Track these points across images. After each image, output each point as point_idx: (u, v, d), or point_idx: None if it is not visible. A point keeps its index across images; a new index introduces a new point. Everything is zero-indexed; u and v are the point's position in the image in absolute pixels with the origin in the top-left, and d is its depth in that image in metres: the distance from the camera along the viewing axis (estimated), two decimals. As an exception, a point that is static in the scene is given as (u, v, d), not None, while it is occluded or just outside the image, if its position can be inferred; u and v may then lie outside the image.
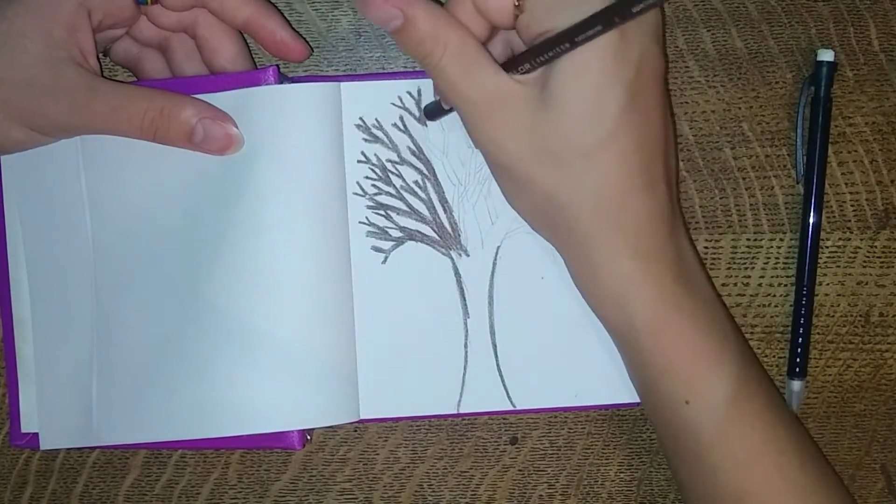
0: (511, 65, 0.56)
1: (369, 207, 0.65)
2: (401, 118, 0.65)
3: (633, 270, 0.57)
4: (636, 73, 0.54)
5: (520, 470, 0.70)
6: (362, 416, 0.65)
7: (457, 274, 0.66)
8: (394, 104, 0.65)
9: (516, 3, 0.55)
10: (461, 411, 0.66)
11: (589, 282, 0.58)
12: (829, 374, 0.70)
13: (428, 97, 0.65)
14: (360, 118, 0.65)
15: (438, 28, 0.55)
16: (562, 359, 0.65)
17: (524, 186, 0.57)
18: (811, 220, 0.67)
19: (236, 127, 0.61)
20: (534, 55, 0.55)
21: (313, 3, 0.68)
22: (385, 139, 0.65)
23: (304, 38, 0.66)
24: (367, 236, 0.65)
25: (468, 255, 0.66)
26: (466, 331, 0.66)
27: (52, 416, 0.65)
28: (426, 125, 0.65)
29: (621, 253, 0.56)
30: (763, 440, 0.59)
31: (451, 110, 0.63)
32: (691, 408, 0.58)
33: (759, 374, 0.61)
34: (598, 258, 0.57)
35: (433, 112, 0.64)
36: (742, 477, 0.58)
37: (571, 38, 0.52)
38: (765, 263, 0.69)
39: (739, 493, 0.59)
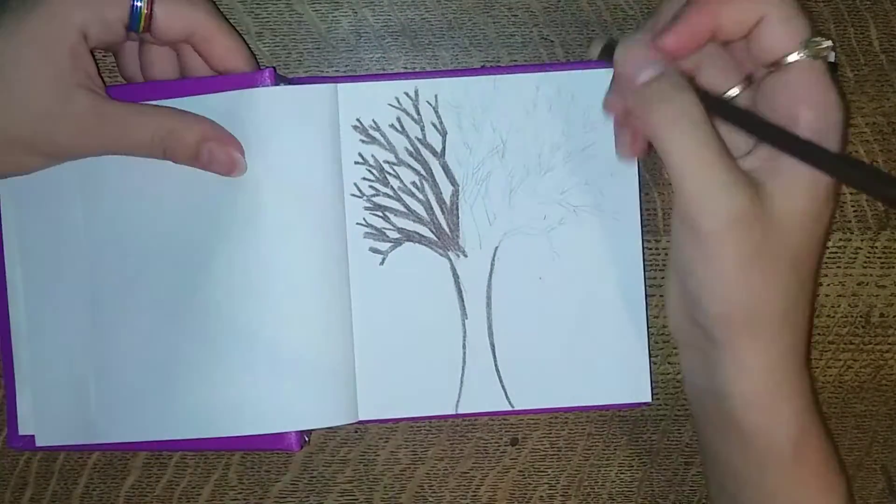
0: (720, 107, 0.58)
1: (367, 209, 0.65)
2: (398, 119, 0.65)
3: (791, 384, 0.58)
4: (829, 214, 0.58)
5: (520, 471, 0.70)
6: (360, 418, 0.65)
7: (455, 275, 0.66)
8: (391, 105, 0.65)
9: (797, 58, 0.56)
10: (459, 412, 0.66)
11: (741, 385, 0.58)
12: (830, 375, 0.70)
13: (426, 97, 0.65)
14: (357, 119, 0.65)
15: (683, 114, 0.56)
16: (560, 359, 0.65)
17: (725, 284, 0.56)
18: (812, 221, 0.67)
19: (241, 153, 0.62)
20: (758, 127, 0.57)
21: (313, 3, 0.68)
22: (382, 140, 0.65)
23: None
24: (364, 238, 0.65)
25: (466, 256, 0.66)
26: (464, 331, 0.66)
27: (48, 414, 0.66)
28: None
29: (782, 360, 0.57)
30: None
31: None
32: None
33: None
34: (762, 361, 0.57)
35: (611, 52, 0.60)
36: None
37: (812, 153, 0.55)
38: (765, 264, 0.69)
39: None
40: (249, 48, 0.65)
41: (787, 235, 0.56)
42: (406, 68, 0.68)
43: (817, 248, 0.58)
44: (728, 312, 0.57)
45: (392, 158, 0.65)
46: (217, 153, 0.61)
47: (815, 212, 0.56)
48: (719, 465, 0.62)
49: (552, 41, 0.68)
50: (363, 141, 0.65)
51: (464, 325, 0.66)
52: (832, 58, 0.57)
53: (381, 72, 0.68)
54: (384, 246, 0.65)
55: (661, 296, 0.67)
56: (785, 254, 0.56)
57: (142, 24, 0.60)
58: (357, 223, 0.65)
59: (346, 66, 0.68)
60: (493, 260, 0.66)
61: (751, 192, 0.54)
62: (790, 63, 0.56)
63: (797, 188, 0.56)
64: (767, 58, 0.57)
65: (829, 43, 0.56)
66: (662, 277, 0.67)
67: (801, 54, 0.56)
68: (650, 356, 0.66)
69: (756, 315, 0.56)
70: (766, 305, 0.56)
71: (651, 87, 0.56)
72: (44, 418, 0.66)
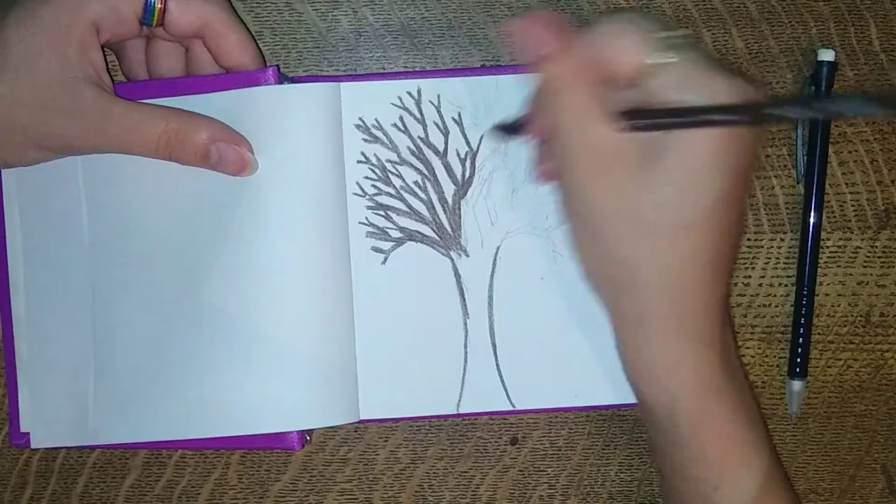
0: (627, 116, 0.55)
1: (369, 208, 0.65)
2: (401, 118, 0.65)
3: (685, 354, 0.57)
4: (738, 165, 0.54)
5: (520, 470, 0.70)
6: (362, 417, 0.65)
7: (456, 274, 0.66)
8: (393, 104, 0.65)
9: (650, 65, 0.54)
10: (461, 411, 0.66)
11: (637, 354, 0.58)
12: (830, 375, 0.70)
13: (429, 97, 0.65)
14: (360, 118, 0.65)
15: (577, 68, 0.55)
16: (561, 359, 0.65)
17: (602, 242, 0.57)
18: (811, 220, 0.67)
19: (252, 152, 0.62)
20: (649, 117, 0.54)
21: (313, 3, 0.68)
22: (385, 139, 0.65)
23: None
24: (366, 237, 0.65)
25: (468, 256, 0.66)
26: (466, 331, 0.66)
27: (44, 414, 0.65)
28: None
29: (678, 334, 0.56)
30: None
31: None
32: (720, 494, 0.58)
33: (781, 465, 0.62)
34: (654, 334, 0.57)
35: (511, 129, 0.63)
36: None
37: (708, 115, 0.52)
38: (765, 263, 0.69)
39: None
40: (258, 46, 0.65)
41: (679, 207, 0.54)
42: (406, 67, 0.68)
43: (721, 206, 0.55)
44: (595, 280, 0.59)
45: (394, 157, 0.65)
46: (227, 153, 0.61)
47: (704, 169, 0.54)
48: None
49: (552, 41, 0.68)
50: (366, 140, 0.65)
51: (465, 324, 0.66)
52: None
53: (381, 71, 0.68)
54: (386, 245, 0.65)
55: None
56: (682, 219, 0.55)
57: (155, 18, 0.60)
58: (359, 222, 0.65)
59: (346, 65, 0.68)
60: (495, 260, 0.66)
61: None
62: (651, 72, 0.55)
63: (682, 155, 0.54)
64: (629, 72, 0.55)
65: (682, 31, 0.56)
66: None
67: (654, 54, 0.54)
68: (651, 356, 0.66)
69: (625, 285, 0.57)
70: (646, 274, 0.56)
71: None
72: (40, 419, 0.66)
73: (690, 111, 0.53)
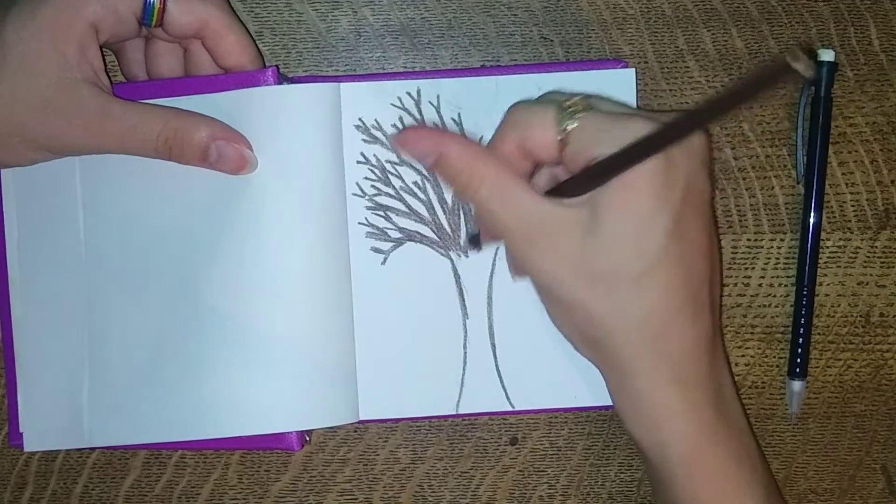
0: (558, 192, 0.56)
1: (368, 208, 0.65)
2: (400, 119, 0.65)
3: (673, 400, 0.57)
4: (682, 200, 0.55)
5: (520, 470, 0.70)
6: (361, 417, 0.65)
7: (456, 275, 0.66)
8: (393, 105, 0.65)
9: (560, 138, 0.56)
10: (460, 412, 0.66)
11: (628, 405, 0.59)
12: (830, 375, 0.70)
13: (428, 97, 0.65)
14: (360, 119, 0.65)
15: (473, 162, 0.56)
16: (560, 360, 0.65)
17: (568, 309, 0.57)
18: (811, 221, 0.67)
19: (250, 149, 0.62)
20: (580, 180, 0.55)
21: (313, 3, 0.68)
22: (384, 140, 0.65)
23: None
24: (366, 237, 0.65)
25: (467, 256, 0.66)
26: (465, 331, 0.66)
27: (37, 417, 0.65)
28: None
29: (663, 381, 0.56)
30: None
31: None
32: None
33: (781, 498, 0.62)
34: (639, 385, 0.57)
35: (477, 240, 0.65)
36: None
37: (620, 161, 0.53)
38: (765, 263, 0.69)
39: None
40: (258, 46, 0.65)
41: (622, 252, 0.55)
42: (406, 68, 0.68)
43: (677, 247, 0.55)
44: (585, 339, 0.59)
45: (394, 158, 0.65)
46: (226, 151, 0.61)
47: (644, 213, 0.54)
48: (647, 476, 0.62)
49: (552, 41, 0.68)
50: (365, 140, 0.65)
51: (465, 324, 0.66)
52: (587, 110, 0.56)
53: (381, 71, 0.68)
54: (386, 246, 0.65)
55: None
56: (631, 270, 0.55)
57: (155, 18, 0.60)
58: (359, 223, 0.65)
59: (346, 65, 0.68)
60: (495, 260, 0.66)
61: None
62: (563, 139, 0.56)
63: (617, 202, 0.54)
64: (551, 151, 0.57)
65: (577, 98, 0.56)
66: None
67: (561, 126, 0.56)
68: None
69: (615, 339, 0.57)
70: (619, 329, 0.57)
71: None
72: (33, 422, 0.66)
73: (603, 164, 0.54)
